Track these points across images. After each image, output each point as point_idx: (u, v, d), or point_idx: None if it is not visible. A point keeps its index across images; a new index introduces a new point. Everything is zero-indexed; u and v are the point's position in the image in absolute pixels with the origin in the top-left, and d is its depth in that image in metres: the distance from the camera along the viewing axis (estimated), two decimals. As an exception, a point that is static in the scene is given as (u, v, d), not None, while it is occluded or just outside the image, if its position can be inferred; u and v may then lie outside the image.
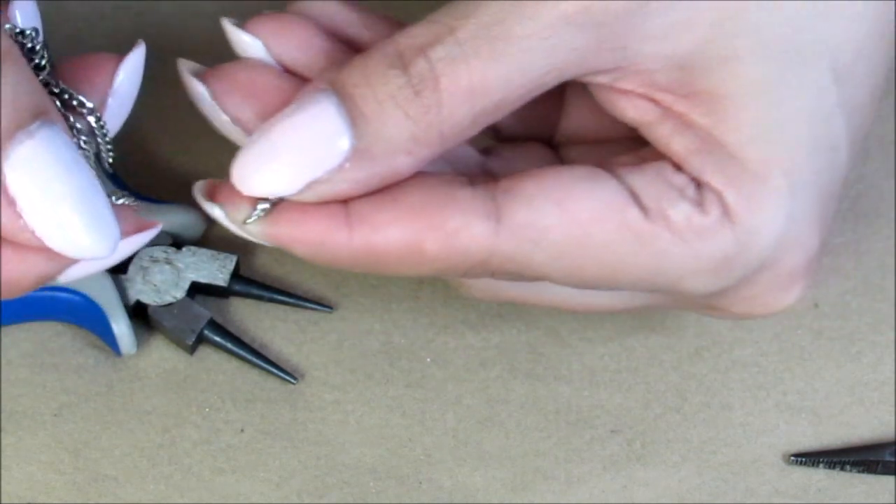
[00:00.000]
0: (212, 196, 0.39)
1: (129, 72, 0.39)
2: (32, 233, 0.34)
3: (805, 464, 0.47)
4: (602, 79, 0.39)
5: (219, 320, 0.49)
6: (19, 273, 0.36)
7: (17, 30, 0.38)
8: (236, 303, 0.50)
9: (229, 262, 0.49)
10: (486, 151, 0.43)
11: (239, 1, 0.54)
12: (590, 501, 0.47)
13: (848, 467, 0.47)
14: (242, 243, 0.50)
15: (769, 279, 0.40)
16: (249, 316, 0.49)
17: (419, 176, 0.38)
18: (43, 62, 0.38)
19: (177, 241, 0.49)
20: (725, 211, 0.38)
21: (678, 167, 0.39)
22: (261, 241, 0.38)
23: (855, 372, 0.49)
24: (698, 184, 0.39)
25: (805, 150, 0.39)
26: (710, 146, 0.38)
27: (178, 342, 0.48)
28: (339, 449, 0.47)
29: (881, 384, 0.49)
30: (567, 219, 0.38)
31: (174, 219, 0.48)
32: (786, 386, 0.49)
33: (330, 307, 0.50)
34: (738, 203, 0.38)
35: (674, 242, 0.38)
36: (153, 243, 0.48)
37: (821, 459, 0.47)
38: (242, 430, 0.48)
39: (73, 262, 0.36)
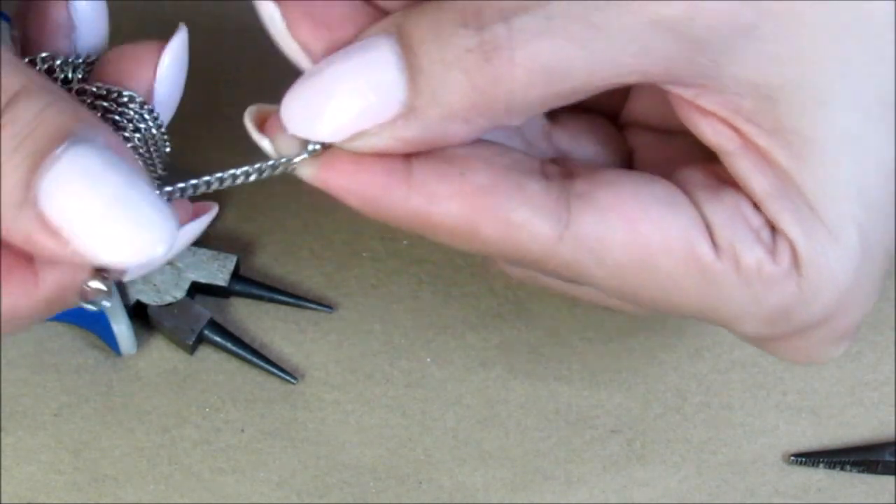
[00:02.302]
0: (261, 126, 0.37)
1: (174, 57, 0.38)
2: (84, 256, 0.33)
3: (805, 464, 0.47)
4: (684, 92, 0.36)
5: (219, 320, 0.49)
6: (69, 282, 0.35)
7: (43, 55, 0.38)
8: (236, 303, 0.50)
9: (229, 262, 0.49)
10: (548, 115, 0.40)
11: (240, 1, 0.54)
12: (590, 501, 0.47)
13: (848, 467, 0.47)
14: (243, 243, 0.50)
15: (824, 334, 0.39)
16: (249, 316, 0.49)
17: (489, 149, 0.36)
18: (74, 74, 0.38)
19: (177, 241, 0.49)
20: (795, 262, 0.37)
21: (755, 205, 0.37)
22: (310, 182, 0.36)
23: (855, 372, 0.49)
24: (773, 228, 0.37)
25: (879, 210, 0.37)
26: (789, 191, 0.36)
27: (178, 342, 0.48)
28: (339, 449, 0.47)
29: (881, 384, 0.49)
30: (637, 241, 0.36)
31: (174, 219, 0.48)
32: (786, 386, 0.49)
33: (330, 307, 0.50)
34: (810, 257, 0.37)
35: (739, 285, 0.37)
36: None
37: (821, 459, 0.47)
38: (242, 430, 0.48)
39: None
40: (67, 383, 0.48)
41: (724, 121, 0.37)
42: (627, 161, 0.41)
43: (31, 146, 0.33)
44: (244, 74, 0.53)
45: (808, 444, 0.48)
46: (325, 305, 0.49)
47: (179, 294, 0.48)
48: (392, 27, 0.35)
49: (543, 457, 0.48)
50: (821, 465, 0.47)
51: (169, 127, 0.53)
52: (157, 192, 0.35)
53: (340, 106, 0.34)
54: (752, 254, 0.36)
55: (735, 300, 0.37)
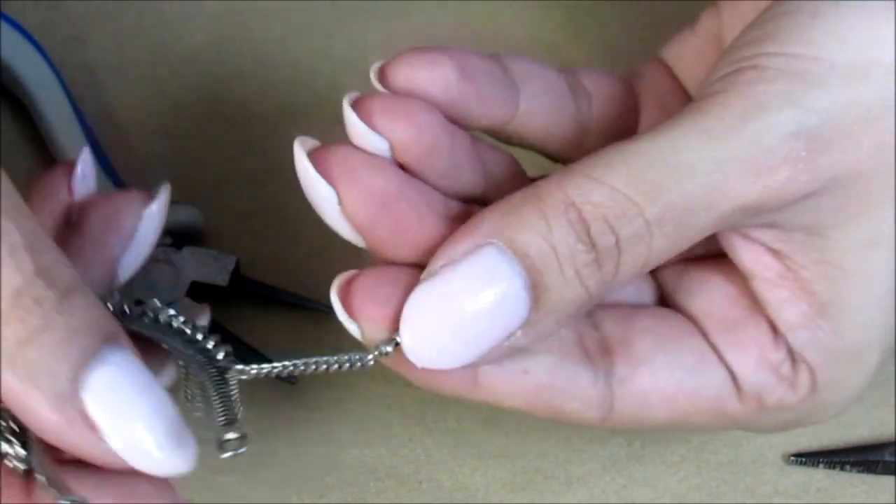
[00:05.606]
0: (348, 307, 0.38)
1: (149, 220, 0.40)
2: (116, 455, 0.35)
3: (805, 464, 0.47)
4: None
5: (219, 320, 0.48)
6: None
7: None
8: (236, 303, 0.49)
9: (229, 262, 0.49)
10: None
11: (240, 1, 0.54)
12: (590, 501, 0.47)
13: (848, 467, 0.47)
14: (243, 243, 0.50)
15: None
16: (249, 316, 0.49)
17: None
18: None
19: (177, 241, 0.49)
20: (814, 386, 0.39)
21: (774, 329, 0.39)
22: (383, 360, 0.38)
23: (855, 372, 0.49)
24: (792, 356, 0.39)
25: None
26: (820, 321, 0.38)
27: (178, 342, 0.48)
28: (339, 449, 0.47)
29: (881, 384, 0.49)
30: (674, 412, 0.39)
31: (174, 217, 0.48)
32: (786, 386, 0.49)
33: (330, 307, 0.49)
34: (829, 381, 0.39)
35: (757, 416, 0.39)
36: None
37: (821, 459, 0.47)
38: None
39: None
40: (67, 383, 0.48)
41: (768, 249, 0.38)
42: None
43: (83, 341, 0.34)
44: (244, 73, 0.53)
45: (808, 444, 0.48)
46: (325, 305, 0.49)
47: (179, 294, 0.48)
48: (506, 247, 0.35)
49: (543, 457, 0.47)
50: (821, 465, 0.47)
51: (165, 126, 0.53)
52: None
53: (476, 342, 0.36)
54: (775, 395, 0.39)
55: (750, 423, 0.40)
